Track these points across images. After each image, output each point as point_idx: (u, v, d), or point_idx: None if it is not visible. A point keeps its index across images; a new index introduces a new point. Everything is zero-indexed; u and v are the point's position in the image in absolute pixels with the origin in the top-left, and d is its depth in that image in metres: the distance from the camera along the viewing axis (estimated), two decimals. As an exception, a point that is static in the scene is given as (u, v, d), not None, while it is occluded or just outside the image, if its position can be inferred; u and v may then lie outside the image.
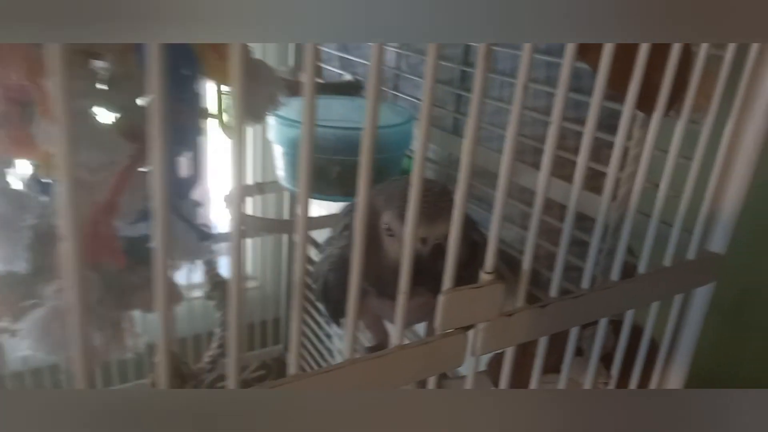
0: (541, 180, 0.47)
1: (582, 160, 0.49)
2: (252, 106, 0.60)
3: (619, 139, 0.51)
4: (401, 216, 0.57)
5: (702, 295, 0.65)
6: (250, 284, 1.65)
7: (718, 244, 0.63)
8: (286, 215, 1.37)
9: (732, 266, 0.64)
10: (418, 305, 0.49)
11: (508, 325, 0.47)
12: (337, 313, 0.72)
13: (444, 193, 0.60)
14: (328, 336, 1.41)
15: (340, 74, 1.14)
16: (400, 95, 1.02)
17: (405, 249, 0.43)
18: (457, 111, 0.93)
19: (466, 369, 0.86)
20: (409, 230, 0.41)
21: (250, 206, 1.39)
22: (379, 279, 0.60)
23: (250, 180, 1.31)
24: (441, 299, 0.42)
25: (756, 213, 0.67)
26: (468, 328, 0.45)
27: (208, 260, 1.32)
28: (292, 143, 0.89)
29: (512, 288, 0.48)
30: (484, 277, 0.45)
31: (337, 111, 0.96)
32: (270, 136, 0.91)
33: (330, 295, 0.70)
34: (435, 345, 0.43)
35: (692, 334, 0.66)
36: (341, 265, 0.67)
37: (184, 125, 0.58)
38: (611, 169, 0.52)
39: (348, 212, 0.70)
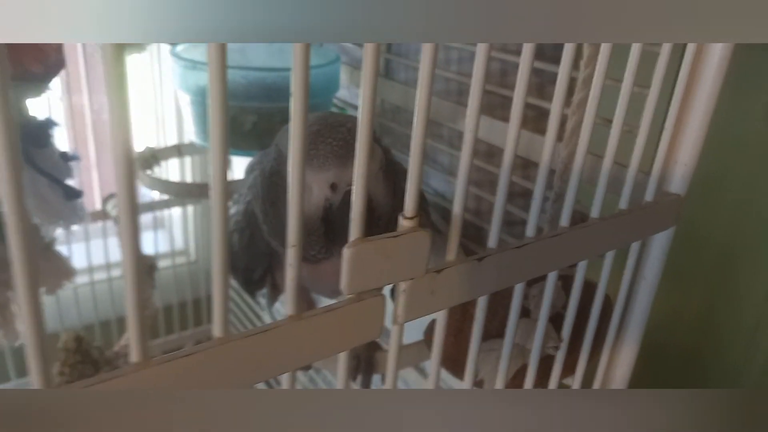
0: (469, 118, 0.38)
1: (519, 95, 0.39)
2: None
3: (563, 70, 0.42)
4: (306, 158, 0.47)
5: (659, 244, 0.58)
6: (181, 260, 1.53)
7: (676, 185, 0.56)
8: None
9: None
10: (336, 269, 0.39)
11: (437, 285, 0.38)
12: (249, 283, 0.62)
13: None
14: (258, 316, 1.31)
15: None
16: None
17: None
18: (388, 51, 0.83)
19: (407, 338, 0.78)
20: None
21: (174, 170, 1.26)
22: None
23: (170, 140, 1.18)
24: (346, 253, 0.33)
25: (712, 151, 0.60)
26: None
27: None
28: (200, 90, 0.76)
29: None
30: (403, 223, 0.35)
31: (252, 54, 0.84)
32: (174, 82, 0.78)
33: (236, 260, 0.59)
34: (342, 312, 0.34)
35: (649, 287, 0.60)
36: (246, 223, 0.56)
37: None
38: (555, 104, 0.43)
39: (255, 164, 0.59)
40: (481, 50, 0.35)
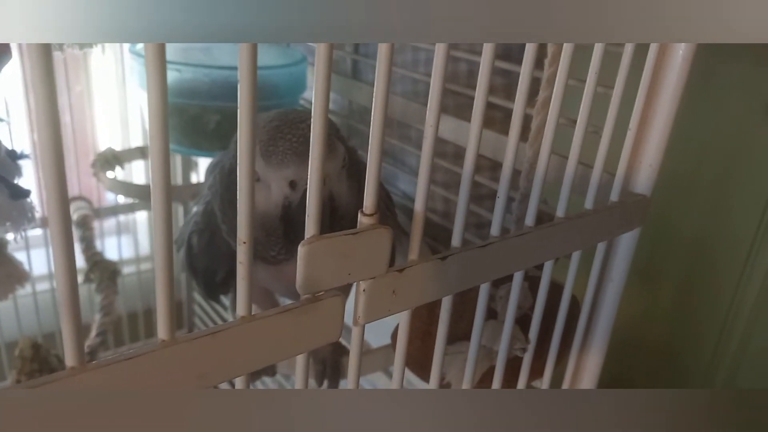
0: (429, 118, 0.37)
1: (480, 94, 0.38)
2: None
3: (525, 69, 0.41)
4: (264, 154, 0.46)
5: (626, 244, 0.58)
6: (146, 265, 1.49)
7: (642, 186, 0.56)
8: (179, 181, 1.21)
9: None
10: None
11: (399, 284, 0.37)
12: (210, 286, 0.60)
13: None
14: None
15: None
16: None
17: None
18: (356, 52, 0.82)
19: (376, 342, 0.76)
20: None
21: (139, 172, 1.22)
22: None
23: (134, 141, 1.15)
24: (301, 251, 0.31)
25: (679, 153, 0.60)
26: (346, 290, 0.35)
27: (85, 237, 1.16)
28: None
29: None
30: (363, 220, 0.34)
31: (218, 53, 0.82)
32: (135, 81, 0.76)
33: (196, 263, 0.57)
34: (298, 313, 0.33)
35: (616, 289, 0.59)
36: (205, 224, 0.54)
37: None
38: (517, 103, 0.42)
39: (215, 164, 0.57)
40: (440, 47, 0.34)
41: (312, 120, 0.30)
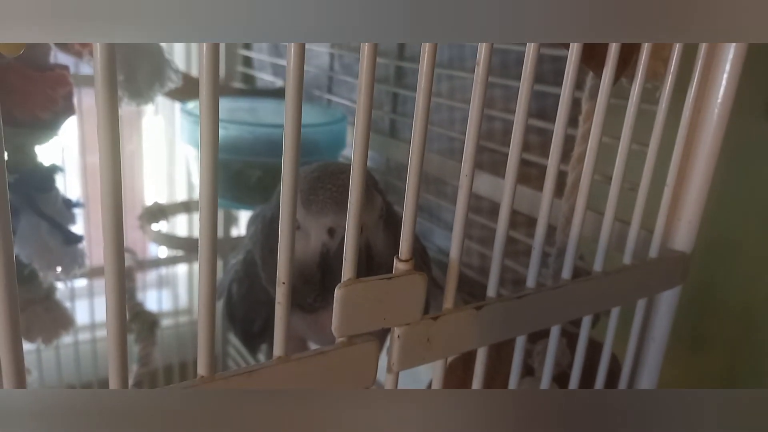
0: (464, 167, 0.37)
1: (514, 153, 0.39)
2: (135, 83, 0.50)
3: (560, 122, 0.41)
4: (305, 203, 0.47)
5: (667, 303, 0.56)
6: (184, 318, 1.52)
7: (681, 243, 0.55)
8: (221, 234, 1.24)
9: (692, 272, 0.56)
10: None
11: (433, 332, 0.37)
12: (248, 336, 0.60)
13: None
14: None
15: (273, 82, 1.05)
16: (334, 98, 0.93)
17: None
18: (394, 111, 0.84)
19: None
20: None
21: (182, 226, 1.27)
22: None
23: (179, 196, 1.19)
24: (338, 294, 0.32)
25: (718, 209, 0.60)
26: (383, 336, 0.35)
27: (128, 288, 1.19)
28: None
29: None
30: (398, 266, 0.35)
31: (263, 113, 0.86)
32: (183, 138, 0.80)
33: (235, 311, 0.58)
34: (333, 356, 0.33)
35: (658, 348, 0.57)
36: (245, 272, 0.56)
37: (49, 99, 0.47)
38: (552, 160, 0.42)
39: (257, 215, 0.59)
40: (476, 99, 0.35)
41: (352, 167, 0.31)
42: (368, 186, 0.48)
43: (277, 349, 0.31)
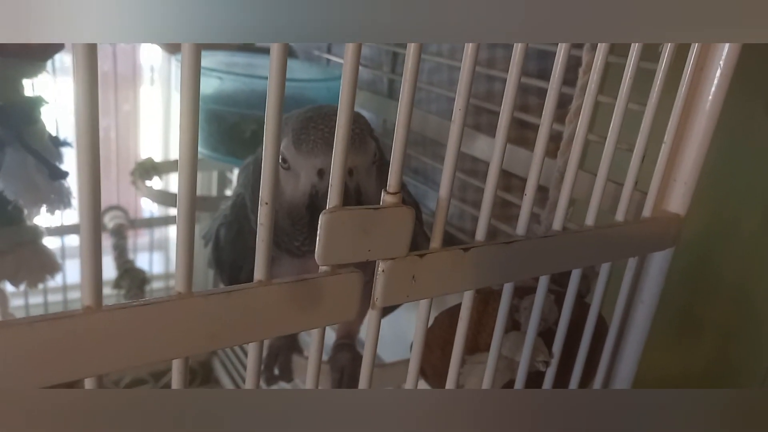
0: (453, 132, 0.37)
1: (506, 113, 0.38)
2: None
3: (555, 80, 0.40)
4: (295, 142, 0.47)
5: (658, 265, 0.56)
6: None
7: (676, 205, 0.54)
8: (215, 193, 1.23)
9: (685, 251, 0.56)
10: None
11: (419, 269, 0.37)
12: (233, 283, 0.59)
13: None
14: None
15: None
16: (333, 58, 0.92)
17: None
18: (393, 71, 0.83)
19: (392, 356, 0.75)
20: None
21: (175, 185, 1.26)
22: (276, 227, 0.49)
23: (173, 154, 1.18)
24: (322, 219, 0.31)
25: (715, 178, 0.59)
26: (366, 267, 0.34)
27: (119, 245, 1.18)
28: (203, 98, 0.77)
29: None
30: (385, 198, 0.34)
31: (261, 70, 0.85)
32: (176, 88, 0.79)
33: (223, 256, 0.57)
34: (315, 284, 0.32)
35: (647, 311, 0.57)
36: (234, 216, 0.55)
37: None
38: (544, 119, 0.41)
39: (247, 164, 0.58)
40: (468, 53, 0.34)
41: (340, 98, 0.30)
42: (362, 131, 0.47)
43: (258, 273, 0.31)
